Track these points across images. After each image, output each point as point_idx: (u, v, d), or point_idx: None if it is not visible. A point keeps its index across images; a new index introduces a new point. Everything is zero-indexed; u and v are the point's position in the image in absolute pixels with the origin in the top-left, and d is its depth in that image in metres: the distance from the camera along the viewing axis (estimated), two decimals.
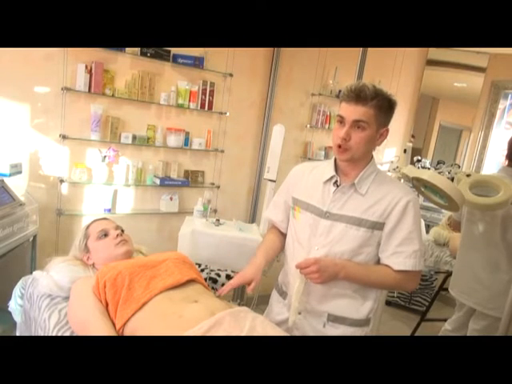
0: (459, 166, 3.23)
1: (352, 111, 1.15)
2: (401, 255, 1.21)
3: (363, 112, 1.14)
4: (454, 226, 2.30)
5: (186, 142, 2.61)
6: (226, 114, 2.74)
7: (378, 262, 1.27)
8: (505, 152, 1.96)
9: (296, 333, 1.35)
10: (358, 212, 1.21)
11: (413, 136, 3.84)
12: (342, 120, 1.18)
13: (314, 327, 1.31)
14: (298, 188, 1.35)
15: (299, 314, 1.32)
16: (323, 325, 1.29)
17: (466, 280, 2.05)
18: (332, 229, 1.24)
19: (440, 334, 2.34)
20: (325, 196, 1.26)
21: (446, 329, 2.31)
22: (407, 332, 2.92)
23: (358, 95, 1.14)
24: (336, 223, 1.23)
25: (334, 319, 1.28)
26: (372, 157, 1.26)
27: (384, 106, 1.16)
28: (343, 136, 1.16)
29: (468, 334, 2.12)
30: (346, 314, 1.28)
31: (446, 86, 3.92)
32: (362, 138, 1.16)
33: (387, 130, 1.21)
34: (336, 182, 1.25)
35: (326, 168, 1.29)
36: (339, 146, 1.18)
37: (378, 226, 1.21)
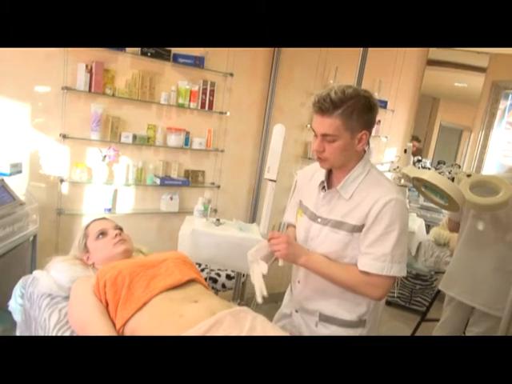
0: (459, 166, 3.23)
1: (319, 124, 1.13)
2: (368, 256, 1.16)
3: (328, 124, 1.10)
4: (452, 226, 2.24)
5: (187, 141, 2.61)
6: (226, 113, 2.73)
7: None
8: (506, 152, 1.95)
9: (293, 331, 1.37)
10: (339, 216, 1.21)
11: (418, 140, 3.84)
12: (314, 132, 1.17)
13: (308, 326, 1.33)
14: (303, 191, 1.37)
15: (296, 312, 1.37)
16: (315, 324, 1.31)
17: (469, 280, 2.01)
18: (320, 232, 1.25)
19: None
20: (318, 200, 1.27)
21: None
22: (407, 332, 2.91)
23: (320, 108, 1.10)
24: (324, 227, 1.24)
25: (326, 319, 1.29)
26: (361, 158, 1.22)
27: (356, 109, 1.10)
28: (316, 148, 1.16)
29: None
30: (337, 314, 1.27)
31: (447, 85, 3.92)
32: (334, 148, 1.14)
33: (366, 134, 1.15)
34: (324, 187, 1.25)
35: (322, 171, 1.29)
36: (317, 156, 1.19)
37: (356, 228, 1.18)
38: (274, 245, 1.20)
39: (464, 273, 2.05)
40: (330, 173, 1.28)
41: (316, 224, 1.26)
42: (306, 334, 1.33)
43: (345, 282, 1.21)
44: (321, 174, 1.28)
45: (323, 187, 1.26)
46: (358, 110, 1.10)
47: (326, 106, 1.09)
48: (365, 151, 1.24)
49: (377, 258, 1.15)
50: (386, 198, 1.14)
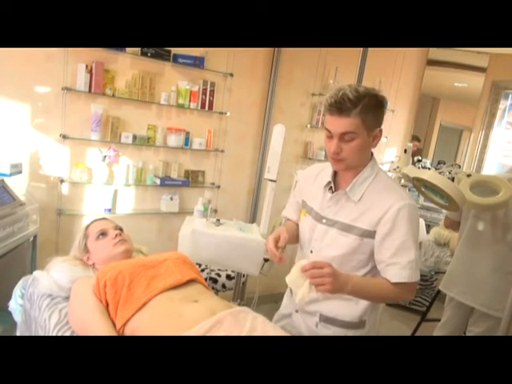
0: (460, 166, 3.22)
1: (337, 125, 1.11)
2: (395, 266, 1.15)
3: (348, 123, 1.10)
4: (450, 224, 2.23)
5: (187, 141, 2.61)
6: (226, 113, 2.74)
7: (369, 271, 1.23)
8: (506, 152, 1.95)
9: (293, 331, 1.37)
10: (349, 219, 1.20)
11: (418, 140, 3.84)
12: (329, 133, 1.15)
13: (308, 326, 1.33)
14: (306, 191, 1.36)
15: (296, 312, 1.37)
16: (315, 325, 1.31)
17: (468, 280, 2.00)
18: (326, 234, 1.25)
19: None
20: (323, 201, 1.27)
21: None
22: (407, 332, 2.91)
23: (339, 108, 1.09)
24: (330, 228, 1.24)
25: (326, 320, 1.29)
26: (370, 159, 1.22)
27: (371, 107, 1.10)
28: (335, 150, 1.13)
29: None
30: (337, 315, 1.27)
31: (447, 85, 3.92)
32: (353, 147, 1.13)
33: (381, 131, 1.17)
34: (331, 188, 1.25)
35: (327, 172, 1.28)
36: (333, 158, 1.17)
37: (367, 233, 1.18)
38: (317, 278, 1.03)
39: (463, 273, 2.05)
40: (335, 173, 1.27)
41: (321, 224, 1.26)
42: (306, 334, 1.33)
43: (383, 297, 1.24)
44: (326, 175, 1.28)
45: (330, 188, 1.25)
46: (372, 108, 1.11)
47: (345, 105, 1.08)
48: (372, 154, 1.24)
49: (404, 266, 1.15)
50: (400, 204, 1.14)
